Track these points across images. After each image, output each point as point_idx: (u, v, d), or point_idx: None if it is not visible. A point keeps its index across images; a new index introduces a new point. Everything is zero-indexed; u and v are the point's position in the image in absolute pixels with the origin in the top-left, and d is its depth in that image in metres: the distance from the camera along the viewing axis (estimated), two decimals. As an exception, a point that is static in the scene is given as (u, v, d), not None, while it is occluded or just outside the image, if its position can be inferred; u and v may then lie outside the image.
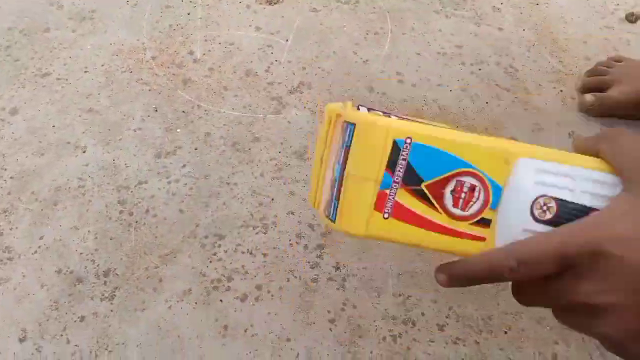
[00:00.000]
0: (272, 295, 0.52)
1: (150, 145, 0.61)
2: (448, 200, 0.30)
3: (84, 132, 0.62)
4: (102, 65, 0.68)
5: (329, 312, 0.52)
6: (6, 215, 0.55)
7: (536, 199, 0.29)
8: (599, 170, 0.29)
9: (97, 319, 0.50)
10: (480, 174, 0.30)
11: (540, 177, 0.29)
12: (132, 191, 0.58)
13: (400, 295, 0.53)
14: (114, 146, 0.61)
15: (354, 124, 0.30)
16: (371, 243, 0.56)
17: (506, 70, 0.70)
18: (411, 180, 0.30)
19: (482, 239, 0.30)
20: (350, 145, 0.30)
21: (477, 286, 0.53)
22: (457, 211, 0.30)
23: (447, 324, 0.51)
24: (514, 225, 0.29)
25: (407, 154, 0.30)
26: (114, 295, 0.51)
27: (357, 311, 0.52)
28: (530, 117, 0.66)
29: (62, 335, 0.49)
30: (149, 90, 0.66)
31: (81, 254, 0.54)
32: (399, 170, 0.30)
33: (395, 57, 0.71)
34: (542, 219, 0.29)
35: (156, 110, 0.64)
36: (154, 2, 0.74)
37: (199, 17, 0.73)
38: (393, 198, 0.30)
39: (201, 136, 0.62)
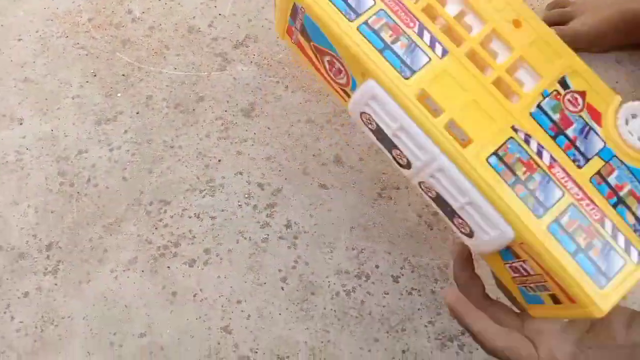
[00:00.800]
0: (221, 259, 0.51)
1: (90, 112, 0.58)
2: (326, 64, 0.36)
3: (19, 103, 0.59)
4: (37, 32, 0.64)
5: (280, 271, 0.50)
6: (-58, 195, 0.53)
7: (362, 113, 0.34)
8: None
9: (41, 294, 0.49)
10: (345, 68, 0.35)
11: (373, 103, 0.33)
12: (72, 161, 0.55)
13: (353, 249, 0.51)
14: (51, 116, 0.58)
15: None
16: (323, 198, 0.54)
17: (463, 9, 0.67)
18: (304, 35, 0.36)
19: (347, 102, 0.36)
20: None
21: (432, 236, 0.52)
22: (330, 75, 0.37)
23: (402, 275, 0.50)
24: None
25: (302, 17, 0.35)
26: (58, 268, 0.50)
27: (309, 268, 0.50)
28: (489, 57, 0.63)
29: (5, 312, 0.48)
30: (87, 54, 0.62)
31: (22, 229, 0.52)
32: (297, 23, 0.36)
33: None
34: (368, 126, 0.35)
35: (95, 75, 0.61)
36: (89, -40, 0.70)
37: (136, -26, 0.69)
38: (297, 36, 0.37)
39: (142, 99, 0.59)
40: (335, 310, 0.48)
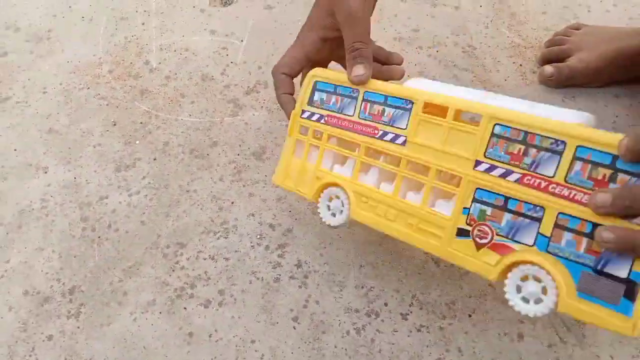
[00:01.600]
0: (235, 299, 0.53)
1: (110, 159, 0.62)
2: None
3: (44, 153, 0.62)
4: (61, 84, 0.68)
5: (291, 310, 0.52)
6: (-27, 242, 0.56)
7: None
8: None
9: (65, 337, 0.51)
10: None
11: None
12: (93, 207, 0.58)
13: (362, 287, 0.53)
14: (74, 164, 0.61)
15: None
16: (332, 237, 0.56)
17: (464, 50, 0.69)
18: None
19: None
20: None
21: (440, 273, 0.53)
22: None
23: (411, 312, 0.51)
24: None
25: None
26: (80, 312, 0.52)
27: (320, 307, 0.52)
28: (490, 95, 0.65)
29: (30, 355, 0.50)
30: (107, 104, 0.66)
31: (47, 273, 0.54)
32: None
33: (351, 47, 0.70)
34: None
35: (114, 124, 0.64)
36: (109, 15, 0.75)
37: (153, 27, 0.73)
38: None
39: (159, 146, 0.62)
40: (346, 349, 0.50)
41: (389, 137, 0.45)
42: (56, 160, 0.62)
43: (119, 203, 0.59)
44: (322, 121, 0.49)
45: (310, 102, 0.50)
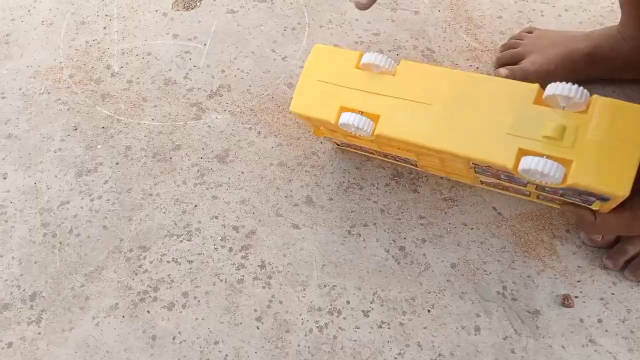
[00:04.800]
0: (199, 301, 0.53)
1: (71, 164, 0.61)
2: None
3: (3, 159, 0.62)
4: (20, 89, 0.67)
5: (255, 310, 0.53)
6: None
7: None
8: None
9: (25, 344, 0.50)
10: None
11: None
12: (54, 213, 0.58)
13: (325, 286, 0.54)
14: (34, 169, 0.61)
15: None
16: (295, 238, 0.57)
17: (423, 53, 0.71)
18: None
19: None
20: None
21: (400, 270, 0.55)
22: None
23: (372, 309, 0.53)
24: None
25: None
26: (41, 318, 0.52)
27: (283, 307, 0.53)
28: (448, 97, 0.67)
29: (-10, 364, 0.49)
30: (68, 109, 0.65)
31: (6, 280, 0.54)
32: None
33: (314, 50, 0.72)
34: None
35: (75, 129, 0.64)
36: (69, 19, 0.74)
37: (115, 31, 0.73)
38: None
39: (122, 150, 0.62)
40: (309, 347, 0.51)
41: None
42: (15, 165, 0.61)
43: (81, 208, 0.58)
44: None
45: None
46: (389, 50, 0.71)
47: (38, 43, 0.72)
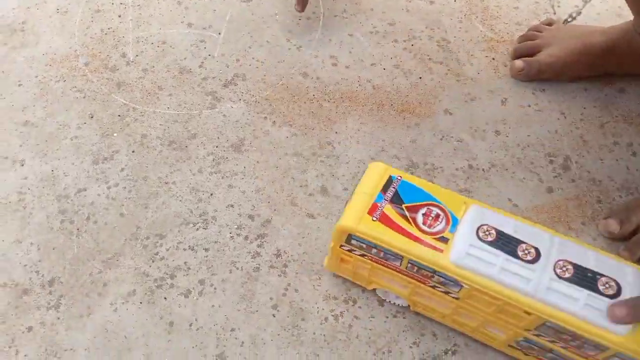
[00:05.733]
0: (215, 288, 0.53)
1: (88, 152, 0.62)
2: (419, 219, 0.45)
3: (21, 146, 0.62)
4: (36, 77, 0.68)
5: (271, 299, 0.53)
6: (-52, 236, 0.56)
7: (480, 225, 0.43)
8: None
9: (45, 328, 0.51)
10: (445, 209, 0.45)
11: (485, 215, 0.44)
12: (72, 199, 0.58)
13: (340, 275, 0.54)
14: (51, 157, 0.61)
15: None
16: (310, 227, 0.57)
17: (439, 44, 0.71)
18: (396, 201, 0.46)
19: (441, 250, 0.43)
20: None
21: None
22: (425, 227, 0.44)
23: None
24: (464, 242, 0.43)
25: (396, 185, 0.46)
26: (60, 303, 0.52)
27: (298, 295, 0.53)
28: (463, 88, 0.67)
29: (10, 347, 0.50)
30: (84, 97, 0.66)
31: (25, 265, 0.54)
32: (389, 193, 0.46)
33: (328, 40, 0.72)
34: (484, 240, 0.43)
35: (92, 117, 0.64)
36: (84, 7, 0.74)
37: (130, 19, 0.73)
38: (381, 209, 0.45)
39: (138, 138, 0.63)
40: (324, 335, 0.51)
41: (441, 289, 0.46)
42: (33, 153, 0.61)
43: (98, 195, 0.59)
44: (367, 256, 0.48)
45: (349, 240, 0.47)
46: (404, 41, 0.71)
47: (53, 31, 0.72)
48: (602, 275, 0.40)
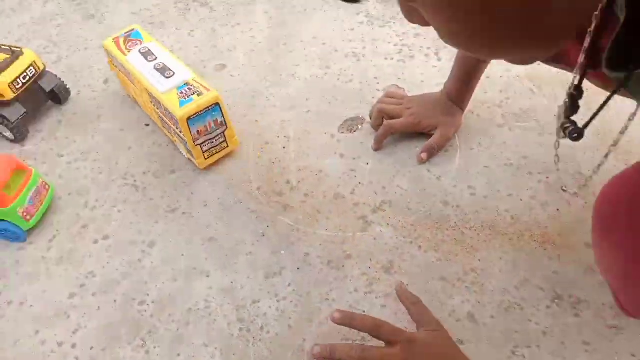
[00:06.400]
0: (373, 404, 0.59)
1: (260, 267, 0.72)
2: None
3: (206, 259, 0.74)
4: (218, 199, 0.82)
5: (425, 420, 0.57)
6: (150, 335, 0.68)
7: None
8: None
9: None
10: None
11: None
12: (248, 310, 0.68)
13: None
14: (231, 270, 0.73)
15: None
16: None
17: (573, 177, 0.76)
18: None
19: None
20: None
21: None
22: None
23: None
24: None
25: None
26: (240, 405, 0.61)
27: None
28: (602, 221, 0.70)
29: None
30: (256, 217, 0.78)
31: (211, 368, 0.64)
32: None
33: (466, 171, 0.80)
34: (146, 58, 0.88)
35: (263, 235, 0.76)
36: (255, 142, 0.89)
37: (292, 150, 0.87)
38: None
39: (301, 256, 0.73)
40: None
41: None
42: (216, 265, 0.74)
43: (269, 307, 0.68)
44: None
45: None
46: (539, 173, 0.77)
47: (231, 159, 0.87)
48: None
